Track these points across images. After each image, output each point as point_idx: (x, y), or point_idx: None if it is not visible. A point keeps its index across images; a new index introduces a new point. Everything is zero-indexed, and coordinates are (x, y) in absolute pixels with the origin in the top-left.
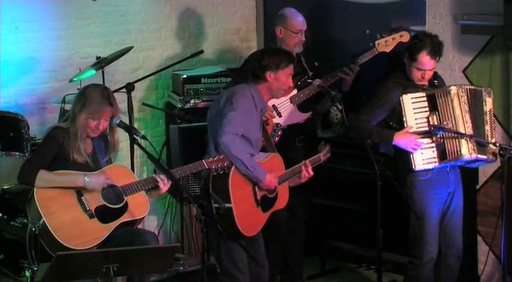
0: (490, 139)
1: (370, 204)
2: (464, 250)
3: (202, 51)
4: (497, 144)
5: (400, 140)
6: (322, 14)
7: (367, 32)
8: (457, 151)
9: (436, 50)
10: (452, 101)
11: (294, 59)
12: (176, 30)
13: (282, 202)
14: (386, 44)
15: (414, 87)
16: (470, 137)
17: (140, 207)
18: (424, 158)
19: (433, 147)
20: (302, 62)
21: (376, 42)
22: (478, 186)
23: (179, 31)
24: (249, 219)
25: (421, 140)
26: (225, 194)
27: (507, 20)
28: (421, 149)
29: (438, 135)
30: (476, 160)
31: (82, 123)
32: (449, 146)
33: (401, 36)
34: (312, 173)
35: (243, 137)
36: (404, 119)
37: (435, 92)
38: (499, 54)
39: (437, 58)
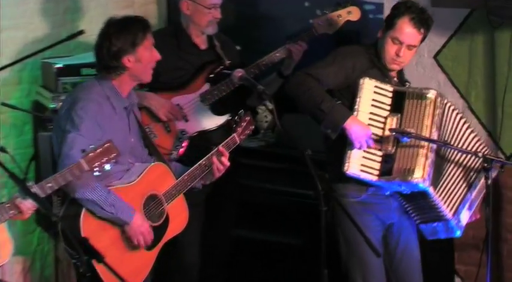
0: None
1: (311, 237)
2: None
3: (82, 32)
4: (480, 154)
5: (355, 126)
6: None
7: (306, 4)
8: (409, 169)
9: (422, 20)
10: (425, 107)
11: (149, 24)
12: (46, 4)
13: (177, 225)
14: (328, 23)
15: (381, 72)
16: (445, 144)
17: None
18: (363, 163)
19: (379, 156)
20: (215, 46)
21: (315, 21)
22: None
23: (51, 4)
24: (126, 269)
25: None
26: (80, 248)
27: None
28: (364, 151)
29: (400, 144)
30: (427, 196)
31: None
32: (400, 163)
33: (349, 12)
34: (227, 163)
35: None
36: (356, 106)
37: (407, 90)
38: (482, 33)
39: (422, 31)
